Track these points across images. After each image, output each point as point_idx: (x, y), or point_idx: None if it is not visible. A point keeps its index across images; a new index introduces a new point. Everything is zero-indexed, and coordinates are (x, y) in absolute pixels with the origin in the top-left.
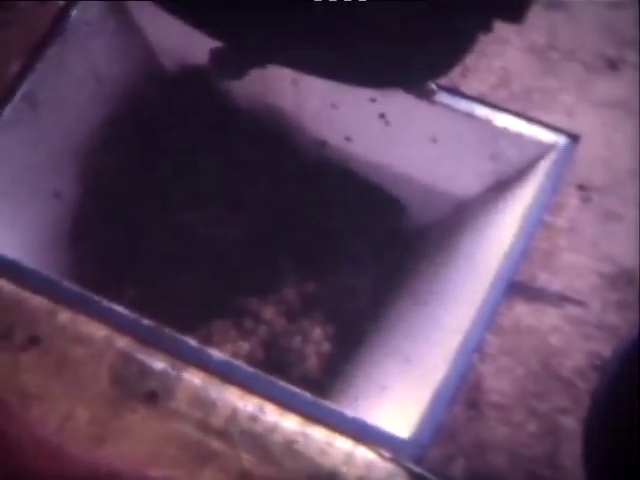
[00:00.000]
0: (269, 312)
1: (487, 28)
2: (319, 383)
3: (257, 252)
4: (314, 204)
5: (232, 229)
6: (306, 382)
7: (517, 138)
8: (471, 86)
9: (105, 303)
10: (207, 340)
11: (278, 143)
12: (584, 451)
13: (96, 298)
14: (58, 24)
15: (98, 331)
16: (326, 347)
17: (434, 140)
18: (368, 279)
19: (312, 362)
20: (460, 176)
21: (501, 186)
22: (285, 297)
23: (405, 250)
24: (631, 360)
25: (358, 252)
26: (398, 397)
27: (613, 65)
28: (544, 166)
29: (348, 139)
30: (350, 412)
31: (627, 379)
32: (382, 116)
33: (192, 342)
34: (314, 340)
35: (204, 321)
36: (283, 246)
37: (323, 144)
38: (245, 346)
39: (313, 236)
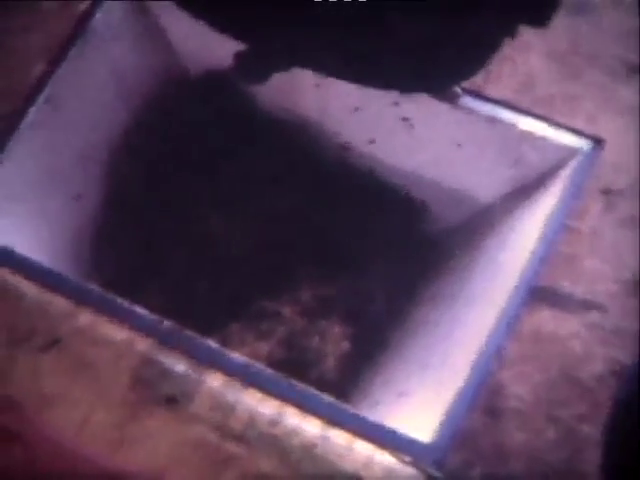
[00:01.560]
0: (287, 312)
1: (512, 33)
2: (338, 385)
3: (276, 255)
4: (335, 207)
5: (252, 234)
6: (325, 384)
7: (541, 142)
8: (494, 91)
9: (126, 305)
10: (225, 343)
11: (301, 147)
12: (603, 458)
13: (117, 300)
14: (80, 26)
15: (118, 333)
16: (345, 346)
17: (457, 143)
18: (386, 282)
19: (330, 362)
20: (483, 180)
21: (524, 190)
22: (302, 298)
23: (427, 254)
24: None
25: (376, 255)
26: (417, 402)
27: (635, 70)
28: (567, 171)
29: (371, 142)
30: (370, 416)
31: None
32: (405, 119)
33: (212, 344)
34: (332, 339)
35: (222, 325)
36: (302, 249)
37: (346, 147)
38: (264, 347)
39: (333, 239)
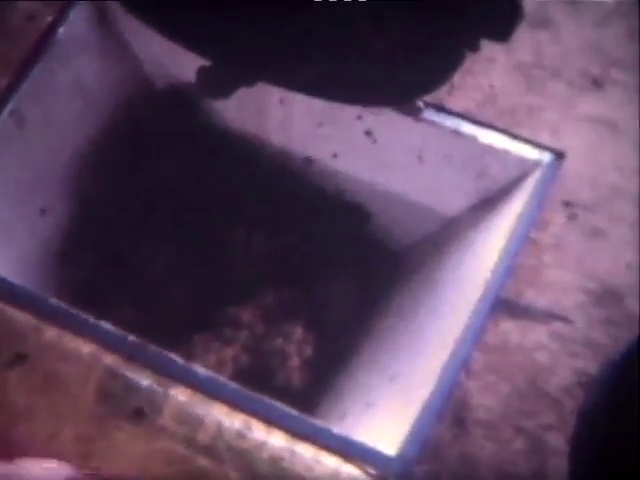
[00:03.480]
0: (247, 317)
1: (474, 47)
2: (304, 392)
3: (237, 263)
4: (299, 219)
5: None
6: (290, 392)
7: (503, 155)
8: (457, 103)
9: (91, 320)
10: (190, 354)
11: (265, 160)
12: (571, 468)
13: (82, 315)
14: (45, 40)
15: (84, 348)
16: (308, 351)
17: (420, 157)
18: (348, 291)
19: (295, 365)
20: (446, 193)
21: (487, 203)
22: (263, 303)
23: (391, 266)
24: (616, 377)
25: (339, 267)
26: (384, 414)
27: (598, 83)
28: (530, 183)
29: (335, 156)
30: (337, 429)
31: (613, 396)
32: (368, 133)
33: (178, 359)
34: (295, 342)
35: (186, 337)
36: (265, 260)
37: (310, 161)
38: (228, 353)
39: (296, 250)
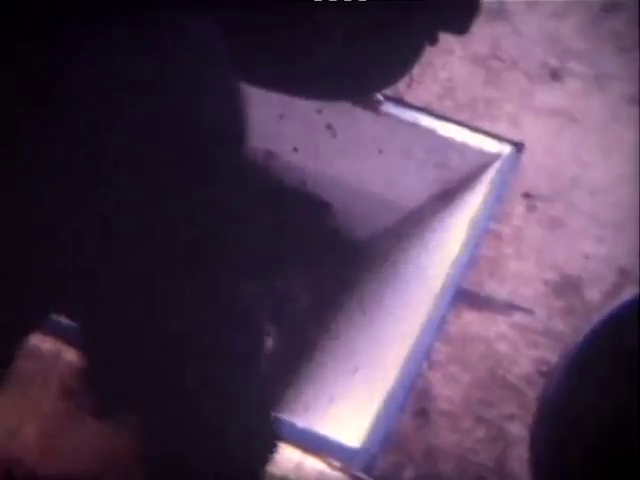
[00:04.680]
0: None
1: (432, 40)
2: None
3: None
4: (260, 212)
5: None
6: None
7: (463, 148)
8: (417, 96)
9: (52, 317)
10: None
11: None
12: (530, 456)
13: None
14: None
15: (46, 344)
16: (269, 344)
17: (381, 150)
18: (309, 285)
19: None
20: (407, 185)
21: (447, 195)
22: None
23: (353, 259)
24: (576, 366)
25: (300, 259)
26: (348, 406)
27: (556, 75)
28: (489, 175)
29: (295, 150)
30: (300, 422)
31: (572, 384)
32: (329, 127)
33: None
34: None
35: None
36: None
37: (271, 155)
38: None
39: (257, 242)
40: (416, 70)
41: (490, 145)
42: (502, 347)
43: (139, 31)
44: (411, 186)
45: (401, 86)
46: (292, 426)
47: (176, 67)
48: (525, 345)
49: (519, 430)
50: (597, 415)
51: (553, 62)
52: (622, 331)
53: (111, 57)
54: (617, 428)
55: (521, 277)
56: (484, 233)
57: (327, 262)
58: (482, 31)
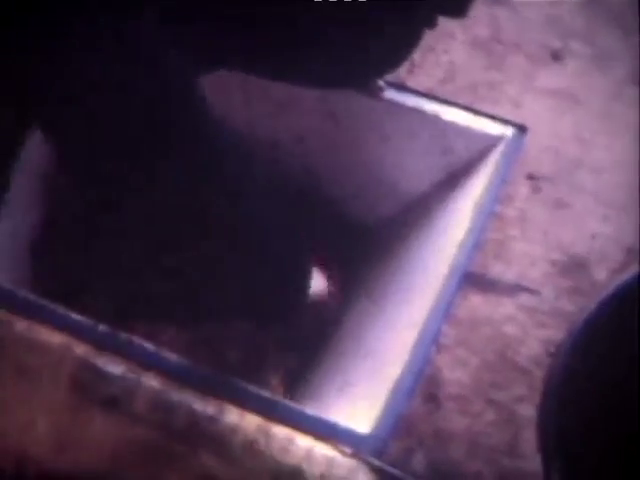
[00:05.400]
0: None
1: (431, 24)
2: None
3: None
4: (267, 204)
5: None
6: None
7: (466, 131)
8: (418, 82)
9: (61, 310)
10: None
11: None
12: (538, 437)
13: (52, 306)
14: None
15: (55, 339)
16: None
17: (384, 136)
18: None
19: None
20: (412, 171)
21: (453, 180)
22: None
23: (361, 246)
24: (580, 344)
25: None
26: (359, 393)
27: (557, 56)
28: (493, 158)
29: (300, 139)
30: (310, 410)
31: (577, 363)
32: (332, 115)
33: (149, 345)
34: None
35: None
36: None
37: (276, 146)
38: None
39: (263, 233)
40: (417, 55)
41: (493, 128)
42: (510, 329)
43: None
44: (416, 171)
45: (402, 72)
46: (302, 413)
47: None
48: (533, 326)
49: (529, 412)
50: (601, 393)
51: (554, 43)
52: (625, 308)
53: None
54: (620, 406)
55: (527, 258)
56: (489, 216)
57: (333, 250)
58: (482, 14)
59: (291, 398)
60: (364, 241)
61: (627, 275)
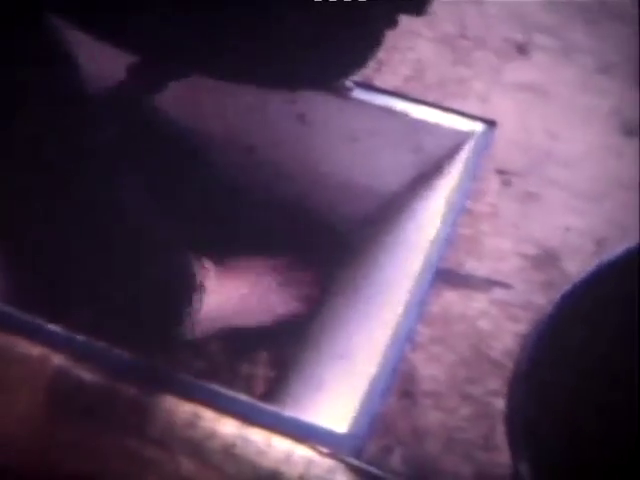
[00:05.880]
0: None
1: (392, 23)
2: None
3: None
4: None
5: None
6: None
7: (435, 129)
8: (386, 80)
9: (38, 322)
10: None
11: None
12: (506, 429)
13: (28, 317)
14: None
15: (34, 351)
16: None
17: (355, 137)
18: None
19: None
20: (384, 171)
21: (424, 178)
22: None
23: (335, 248)
24: (545, 336)
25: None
26: (335, 394)
27: (523, 50)
28: (463, 154)
29: (275, 142)
30: (287, 412)
31: (541, 355)
32: (301, 117)
33: (125, 354)
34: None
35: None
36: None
37: (251, 150)
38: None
39: (238, 238)
40: (384, 54)
41: (462, 124)
42: (484, 324)
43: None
44: (388, 171)
45: (370, 71)
46: (279, 416)
47: None
48: (506, 320)
49: (504, 405)
50: (567, 383)
51: (519, 37)
52: (589, 300)
53: None
54: (587, 396)
55: (499, 253)
56: (460, 212)
57: (306, 252)
58: (448, 11)
59: (271, 399)
60: (338, 242)
61: (592, 267)
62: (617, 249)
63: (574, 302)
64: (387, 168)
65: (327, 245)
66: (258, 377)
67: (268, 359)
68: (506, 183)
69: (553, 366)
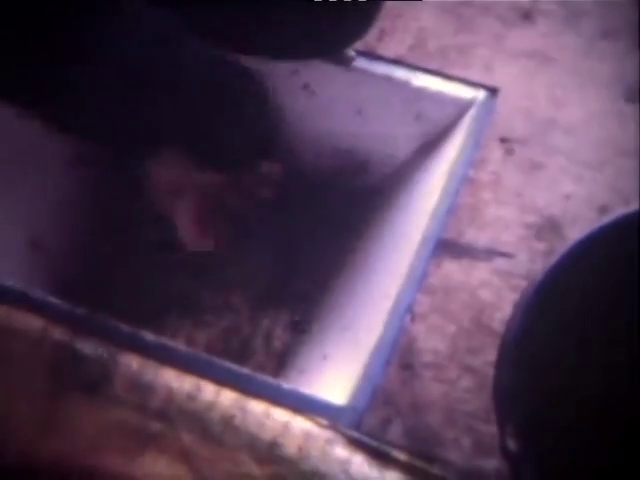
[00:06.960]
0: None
1: None
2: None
3: None
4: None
5: None
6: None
7: (438, 97)
8: (388, 49)
9: (38, 294)
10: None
11: None
12: (494, 400)
13: (29, 291)
14: None
15: (33, 324)
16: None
17: (359, 106)
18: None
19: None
20: (389, 141)
21: (428, 147)
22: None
23: (335, 220)
24: (533, 304)
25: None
26: (337, 365)
27: (527, 16)
28: (466, 122)
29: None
30: (287, 384)
31: (529, 324)
32: (306, 86)
33: (125, 326)
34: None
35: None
36: None
37: None
38: (201, 338)
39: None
40: (387, 22)
41: (464, 92)
42: (485, 294)
43: None
44: (393, 141)
45: (372, 40)
46: (278, 388)
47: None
48: (507, 290)
49: None
50: (555, 355)
51: (524, 4)
52: (576, 268)
53: None
54: (575, 369)
55: (501, 222)
56: (463, 181)
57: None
58: None
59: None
60: (341, 215)
61: (581, 235)
62: (607, 218)
63: (559, 272)
64: (392, 138)
65: (331, 218)
66: (276, 337)
67: (289, 321)
68: (509, 151)
69: (541, 337)
